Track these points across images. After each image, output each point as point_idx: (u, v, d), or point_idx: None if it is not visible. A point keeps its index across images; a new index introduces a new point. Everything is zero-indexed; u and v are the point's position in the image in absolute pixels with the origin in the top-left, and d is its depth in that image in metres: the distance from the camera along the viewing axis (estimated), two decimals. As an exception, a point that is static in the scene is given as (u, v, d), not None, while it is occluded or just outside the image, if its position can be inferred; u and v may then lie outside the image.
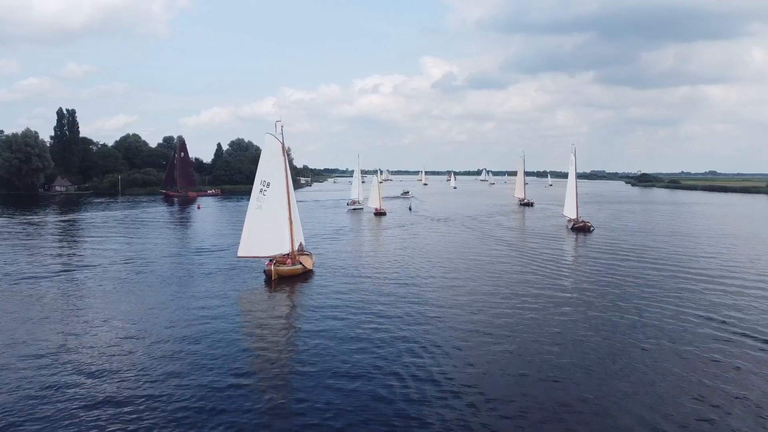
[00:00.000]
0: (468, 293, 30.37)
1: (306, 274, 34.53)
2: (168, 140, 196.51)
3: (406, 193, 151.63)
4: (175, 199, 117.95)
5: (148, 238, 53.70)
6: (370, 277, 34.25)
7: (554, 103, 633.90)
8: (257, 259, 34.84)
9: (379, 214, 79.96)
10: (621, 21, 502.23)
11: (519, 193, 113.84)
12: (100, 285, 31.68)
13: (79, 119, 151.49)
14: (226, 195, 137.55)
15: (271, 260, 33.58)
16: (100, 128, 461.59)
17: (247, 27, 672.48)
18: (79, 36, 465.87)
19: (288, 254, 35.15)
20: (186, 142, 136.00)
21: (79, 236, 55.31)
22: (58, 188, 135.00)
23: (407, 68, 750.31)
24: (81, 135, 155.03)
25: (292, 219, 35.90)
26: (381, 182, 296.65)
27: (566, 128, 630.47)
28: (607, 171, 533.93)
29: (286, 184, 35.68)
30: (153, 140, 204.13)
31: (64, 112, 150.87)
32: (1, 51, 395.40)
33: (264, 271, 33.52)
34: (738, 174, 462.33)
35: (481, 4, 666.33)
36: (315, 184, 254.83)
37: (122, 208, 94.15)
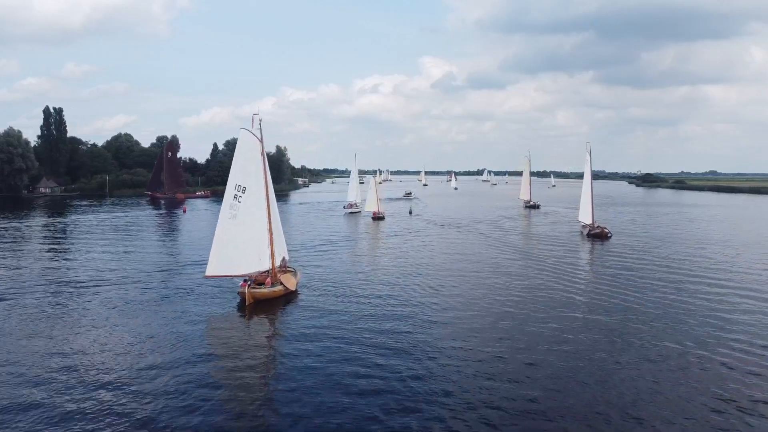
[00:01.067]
0: (482, 316, 25.00)
1: (288, 297, 29.10)
2: (161, 140, 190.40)
3: (409, 194, 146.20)
4: (162, 202, 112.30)
5: (118, 247, 48.20)
6: (363, 300, 28.80)
7: (554, 103, 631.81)
8: (230, 278, 29.41)
9: (377, 218, 74.56)
10: (620, 21, 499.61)
11: (524, 195, 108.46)
12: (44, 311, 26.24)
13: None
14: (218, 196, 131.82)
15: (246, 280, 28.16)
16: (100, 128, 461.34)
17: (246, 27, 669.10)
18: (79, 36, 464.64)
19: (268, 272, 29.79)
20: (181, 142, 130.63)
21: (39, 246, 49.66)
22: (42, 190, 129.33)
23: (407, 68, 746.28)
24: (76, 135, 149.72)
25: (273, 230, 30.51)
26: (380, 182, 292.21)
27: (566, 128, 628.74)
28: (607, 171, 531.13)
29: (265, 188, 30.31)
30: (150, 140, 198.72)
31: (51, 110, 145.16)
32: (0, 51, 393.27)
33: (238, 293, 28.12)
34: (739, 174, 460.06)
35: (480, 3, 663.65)
36: (313, 185, 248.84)
37: (105, 211, 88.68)
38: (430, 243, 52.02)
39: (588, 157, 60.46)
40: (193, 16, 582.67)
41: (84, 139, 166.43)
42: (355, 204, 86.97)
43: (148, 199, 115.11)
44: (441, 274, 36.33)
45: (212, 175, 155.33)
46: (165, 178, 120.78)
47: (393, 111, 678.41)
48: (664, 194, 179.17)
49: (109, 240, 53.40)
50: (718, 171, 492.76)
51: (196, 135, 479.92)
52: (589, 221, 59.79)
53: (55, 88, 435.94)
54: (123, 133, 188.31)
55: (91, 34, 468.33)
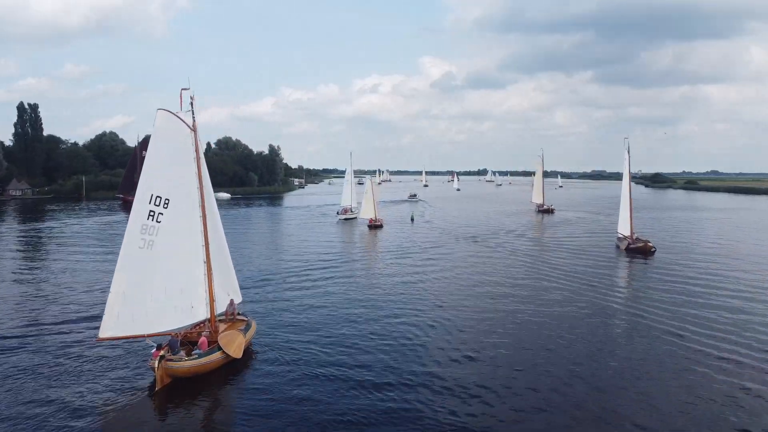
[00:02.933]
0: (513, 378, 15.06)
1: (229, 368, 19.06)
2: (149, 138, 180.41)
3: (414, 196, 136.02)
4: None
5: (21, 271, 38.29)
6: (350, 370, 18.77)
7: (552, 103, 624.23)
8: (136, 339, 19.39)
9: (375, 226, 64.60)
10: (620, 20, 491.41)
11: (537, 198, 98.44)
12: None
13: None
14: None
15: (159, 346, 18.04)
16: (99, 129, 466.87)
17: (245, 27, 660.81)
18: (77, 36, 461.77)
19: (206, 323, 19.91)
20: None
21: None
22: (12, 192, 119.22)
23: (406, 68, 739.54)
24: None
25: (214, 261, 20.56)
26: (380, 183, 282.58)
27: (564, 128, 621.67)
28: (608, 171, 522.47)
29: (201, 201, 20.39)
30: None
31: (26, 106, 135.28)
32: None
33: (149, 367, 17.99)
34: (740, 173, 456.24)
35: (479, 3, 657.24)
36: (309, 185, 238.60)
37: (71, 216, 78.82)
38: (442, 263, 41.82)
39: (626, 156, 50.46)
40: (191, 16, 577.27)
41: (64, 138, 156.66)
42: (350, 209, 77.05)
43: (120, 203, 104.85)
44: (462, 318, 26.28)
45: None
46: (139, 179, 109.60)
47: (392, 111, 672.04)
48: (679, 196, 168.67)
49: (47, 257, 43.44)
50: (720, 171, 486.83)
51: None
52: (626, 232, 49.85)
53: (53, 88, 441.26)
54: (108, 131, 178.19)
55: (90, 35, 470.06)
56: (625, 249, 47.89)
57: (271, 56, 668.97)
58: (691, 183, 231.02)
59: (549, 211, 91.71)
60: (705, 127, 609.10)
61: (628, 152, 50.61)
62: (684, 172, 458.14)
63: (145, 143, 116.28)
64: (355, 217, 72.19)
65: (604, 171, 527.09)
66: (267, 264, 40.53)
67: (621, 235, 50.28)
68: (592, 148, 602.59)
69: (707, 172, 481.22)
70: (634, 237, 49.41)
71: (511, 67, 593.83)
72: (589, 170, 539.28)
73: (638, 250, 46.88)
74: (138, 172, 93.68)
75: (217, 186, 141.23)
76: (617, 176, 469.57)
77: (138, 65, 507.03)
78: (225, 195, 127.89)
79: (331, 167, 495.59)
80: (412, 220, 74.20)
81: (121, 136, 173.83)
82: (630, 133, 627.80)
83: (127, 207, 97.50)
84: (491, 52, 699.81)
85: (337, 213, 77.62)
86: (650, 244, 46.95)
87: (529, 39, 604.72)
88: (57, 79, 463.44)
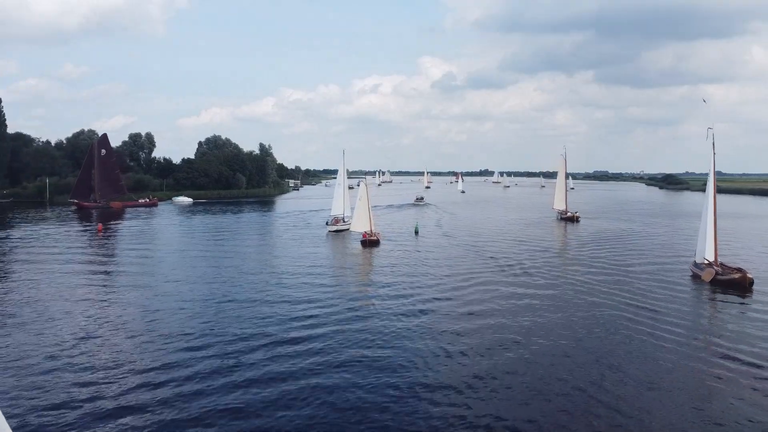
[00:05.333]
0: None
1: None
2: (135, 137, 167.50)
3: (421, 199, 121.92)
4: (93, 212, 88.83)
5: None
6: None
7: (553, 103, 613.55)
8: None
9: (370, 243, 51.58)
10: (620, 20, 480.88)
11: (560, 203, 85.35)
12: None
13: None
14: (171, 203, 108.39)
15: None
16: (99, 129, 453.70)
17: (245, 27, 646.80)
18: (77, 37, 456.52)
19: None
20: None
21: None
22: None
23: (406, 68, 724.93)
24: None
25: None
26: (380, 184, 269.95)
27: (565, 128, 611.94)
28: (610, 171, 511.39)
29: None
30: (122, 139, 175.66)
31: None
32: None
33: None
34: (744, 174, 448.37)
35: (479, 3, 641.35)
36: (306, 187, 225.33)
37: (22, 225, 65.63)
38: (461, 311, 28.59)
39: (712, 156, 37.31)
40: (191, 16, 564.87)
41: (34, 136, 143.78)
42: (342, 219, 64.06)
43: (74, 208, 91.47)
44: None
45: (180, 177, 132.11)
46: (96, 183, 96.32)
47: (392, 111, 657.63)
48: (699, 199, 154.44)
49: None
50: (723, 171, 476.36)
51: (197, 136, 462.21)
52: (710, 256, 36.75)
53: (53, 88, 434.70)
54: (86, 129, 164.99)
55: (89, 35, 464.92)
56: (712, 281, 34.84)
57: (271, 57, 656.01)
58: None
59: (573, 220, 78.67)
60: (707, 128, 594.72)
61: (713, 149, 37.41)
62: (687, 172, 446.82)
63: (103, 142, 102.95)
64: (347, 229, 59.12)
65: (606, 171, 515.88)
66: (203, 312, 27.40)
67: (703, 261, 37.04)
68: (593, 148, 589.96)
69: (710, 172, 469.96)
70: (721, 264, 36.42)
71: (512, 67, 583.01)
72: (590, 171, 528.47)
73: (731, 284, 33.92)
74: (96, 173, 80.00)
75: (196, 188, 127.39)
76: (619, 177, 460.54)
77: (138, 65, 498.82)
78: (186, 199, 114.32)
79: (332, 168, 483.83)
80: (417, 232, 61.01)
81: (75, 132, 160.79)
82: (631, 133, 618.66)
83: (82, 215, 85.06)
84: (492, 53, 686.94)
85: (327, 223, 64.53)
86: (749, 276, 33.91)
87: (530, 39, 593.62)
88: (57, 80, 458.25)
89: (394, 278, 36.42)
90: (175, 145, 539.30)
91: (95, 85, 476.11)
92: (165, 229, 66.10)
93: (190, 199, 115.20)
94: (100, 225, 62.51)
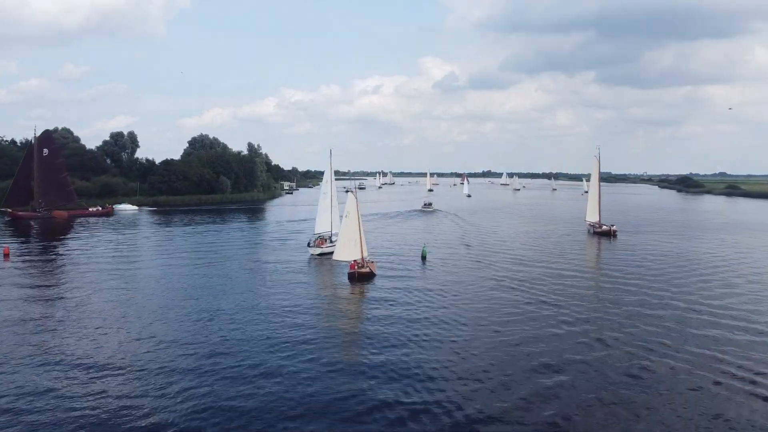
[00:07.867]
0: None
1: None
2: (117, 137, 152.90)
3: (429, 205, 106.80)
4: (32, 223, 74.62)
5: None
6: None
7: (554, 103, 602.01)
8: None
9: (360, 277, 37.54)
10: (621, 20, 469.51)
11: (592, 215, 71.45)
12: None
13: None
14: (129, 213, 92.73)
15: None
16: (100, 129, 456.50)
17: (246, 27, 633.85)
18: (78, 37, 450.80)
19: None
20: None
21: None
22: None
23: (408, 69, 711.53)
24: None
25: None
26: (380, 187, 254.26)
27: (566, 128, 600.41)
28: (613, 172, 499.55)
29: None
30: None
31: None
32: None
33: None
34: (749, 175, 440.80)
35: (480, 4, 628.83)
36: (302, 189, 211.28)
37: None
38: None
39: None
40: (192, 16, 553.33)
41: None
42: (329, 238, 50.25)
43: (8, 219, 77.09)
44: None
45: (155, 181, 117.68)
46: (37, 188, 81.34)
47: (394, 111, 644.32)
48: (739, 206, 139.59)
49: None
50: (728, 173, 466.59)
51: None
52: None
53: (53, 89, 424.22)
54: (60, 127, 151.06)
55: (90, 35, 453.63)
56: None
57: (272, 57, 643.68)
58: (733, 188, 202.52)
59: (609, 235, 64.82)
60: (709, 128, 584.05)
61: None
62: (691, 173, 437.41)
63: (45, 139, 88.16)
64: (332, 252, 44.89)
65: (609, 172, 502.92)
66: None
67: None
68: (594, 149, 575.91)
69: (715, 174, 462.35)
70: None
71: (513, 67, 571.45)
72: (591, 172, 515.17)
73: None
74: (36, 177, 61.61)
75: (172, 193, 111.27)
76: (626, 178, 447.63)
77: (139, 65, 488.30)
78: (130, 207, 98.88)
79: (333, 169, 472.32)
80: (424, 258, 46.83)
81: (76, 134, 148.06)
82: (632, 134, 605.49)
83: (16, 227, 69.93)
84: (493, 53, 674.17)
85: (308, 244, 50.38)
86: None
87: (531, 39, 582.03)
88: (57, 80, 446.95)
89: (386, 353, 22.37)
90: (176, 146, 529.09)
91: (96, 85, 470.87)
92: (95, 251, 51.89)
93: (135, 207, 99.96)
94: (6, 248, 47.89)
